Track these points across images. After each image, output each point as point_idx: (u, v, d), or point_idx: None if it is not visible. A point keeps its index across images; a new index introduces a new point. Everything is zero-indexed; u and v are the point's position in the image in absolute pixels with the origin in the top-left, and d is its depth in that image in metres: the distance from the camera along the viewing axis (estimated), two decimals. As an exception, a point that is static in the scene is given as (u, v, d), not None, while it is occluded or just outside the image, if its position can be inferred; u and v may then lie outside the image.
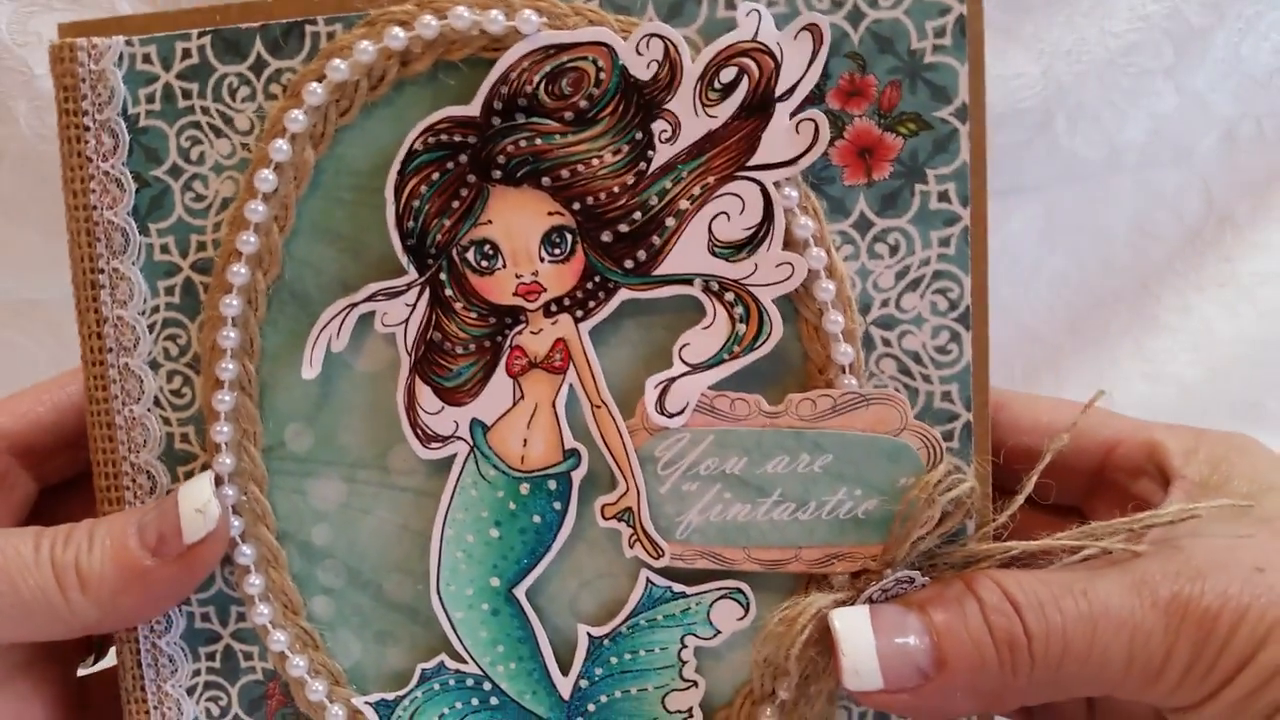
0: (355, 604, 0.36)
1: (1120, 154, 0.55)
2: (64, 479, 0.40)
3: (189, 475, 0.36)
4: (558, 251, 0.33)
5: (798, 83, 0.32)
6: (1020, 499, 0.34)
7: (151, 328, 0.35)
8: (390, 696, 0.36)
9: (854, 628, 0.32)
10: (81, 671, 0.41)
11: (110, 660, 0.41)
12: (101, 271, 0.35)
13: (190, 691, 0.37)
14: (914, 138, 0.33)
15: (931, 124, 0.33)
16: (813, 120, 0.32)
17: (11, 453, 0.38)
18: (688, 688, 0.35)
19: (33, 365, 0.62)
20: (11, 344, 0.62)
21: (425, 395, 0.34)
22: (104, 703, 0.39)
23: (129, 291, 0.35)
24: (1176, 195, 0.57)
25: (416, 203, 0.33)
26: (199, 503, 0.34)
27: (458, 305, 0.34)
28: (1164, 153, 0.56)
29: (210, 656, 0.37)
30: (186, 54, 0.34)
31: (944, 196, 0.33)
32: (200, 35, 0.34)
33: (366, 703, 0.36)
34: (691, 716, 0.35)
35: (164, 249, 0.35)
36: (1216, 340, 0.59)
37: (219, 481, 0.35)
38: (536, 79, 0.32)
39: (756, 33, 0.32)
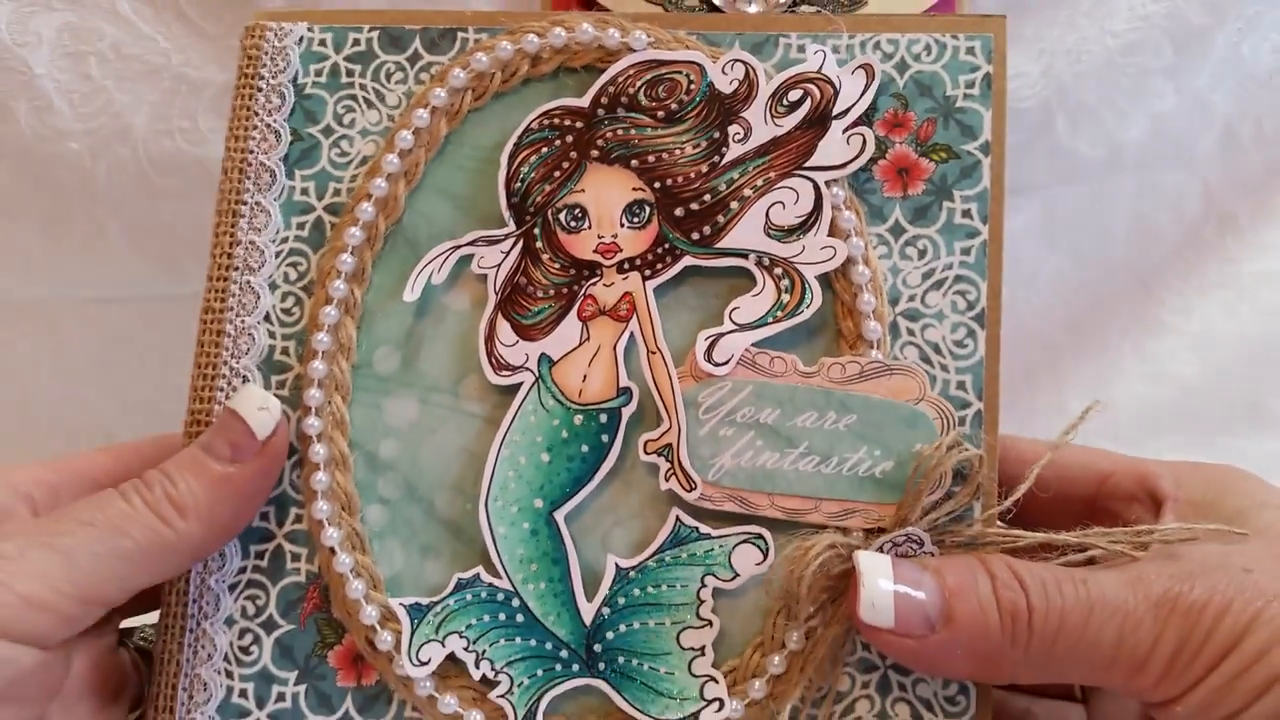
0: (407, 516, 0.39)
1: (1120, 154, 0.56)
2: None
3: (281, 383, 0.40)
4: (636, 220, 0.39)
5: (851, 106, 0.39)
6: (1025, 486, 0.37)
7: (278, 254, 0.41)
8: (424, 601, 0.38)
9: (875, 565, 0.35)
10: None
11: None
12: (244, 204, 0.41)
13: (232, 588, 0.39)
14: (945, 164, 0.39)
15: (960, 154, 0.39)
16: (861, 134, 0.39)
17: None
18: (703, 626, 0.37)
19: (33, 365, 0.62)
20: (11, 344, 0.62)
21: (504, 329, 0.39)
22: None
23: (265, 222, 0.41)
24: (1176, 195, 0.57)
25: (525, 169, 0.40)
26: (259, 402, 0.38)
27: (544, 256, 0.40)
28: (1164, 153, 0.56)
29: (259, 555, 0.39)
30: (356, 42, 0.42)
31: (967, 214, 0.39)
32: (370, 30, 0.42)
33: (400, 604, 0.38)
34: (703, 654, 0.37)
35: (304, 191, 0.41)
36: (1216, 340, 0.58)
37: (308, 385, 0.39)
38: (639, 84, 0.40)
39: (821, 66, 0.39)
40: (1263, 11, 0.55)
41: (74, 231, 0.59)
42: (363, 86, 0.42)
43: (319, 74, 0.42)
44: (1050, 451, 0.38)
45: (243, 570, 0.39)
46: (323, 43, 0.42)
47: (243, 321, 0.41)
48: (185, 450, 0.38)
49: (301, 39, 0.42)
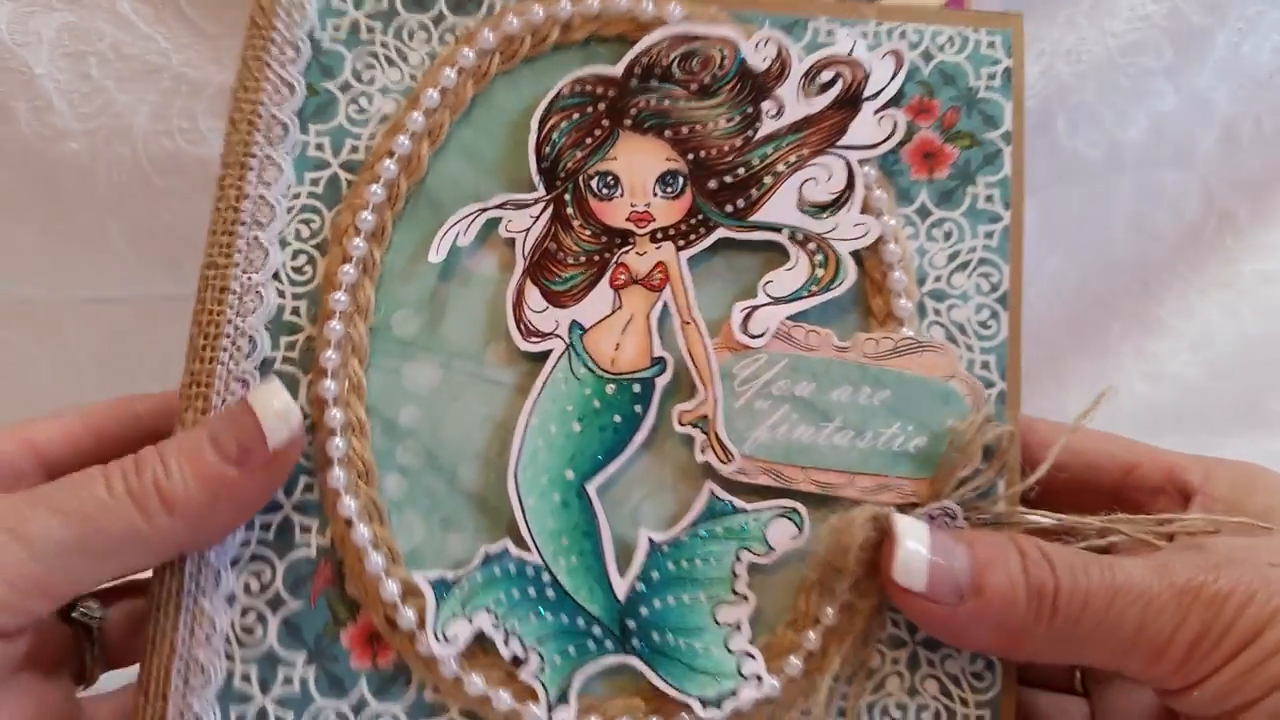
0: (428, 486, 0.37)
1: (1120, 154, 0.56)
2: None
3: (291, 345, 0.38)
4: (669, 190, 0.39)
5: (881, 90, 0.40)
6: (1045, 466, 0.38)
7: (289, 210, 0.39)
8: (450, 575, 0.36)
9: (912, 528, 0.35)
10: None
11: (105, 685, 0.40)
12: (254, 156, 0.39)
13: (233, 563, 0.37)
14: (968, 150, 0.40)
15: (982, 142, 0.40)
16: (893, 116, 0.40)
17: (42, 467, 0.38)
18: (738, 601, 0.37)
19: (33, 365, 0.60)
20: (11, 344, 0.61)
21: (533, 295, 0.38)
22: None
23: (275, 176, 0.39)
24: (1176, 195, 0.58)
25: (555, 134, 0.39)
26: (279, 407, 0.35)
27: (575, 223, 0.39)
28: (1164, 153, 0.56)
29: (265, 527, 0.37)
30: (378, 1, 0.40)
31: (990, 199, 0.40)
32: (393, -11, 0.41)
33: (425, 578, 0.36)
34: (739, 630, 0.36)
35: (319, 147, 0.39)
36: (1217, 340, 0.59)
37: (323, 346, 0.37)
38: (672, 55, 0.39)
39: (852, 50, 0.40)
40: (1263, 11, 0.56)
41: (74, 231, 0.57)
42: (384, 44, 0.40)
43: (337, 29, 0.40)
44: (1067, 434, 0.39)
45: (245, 543, 0.37)
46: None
47: (250, 278, 0.38)
48: (189, 434, 0.35)
49: (319, -7, 0.40)
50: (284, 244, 0.39)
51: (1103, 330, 0.61)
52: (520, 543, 0.36)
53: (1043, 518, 0.38)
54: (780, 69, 0.40)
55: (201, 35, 0.54)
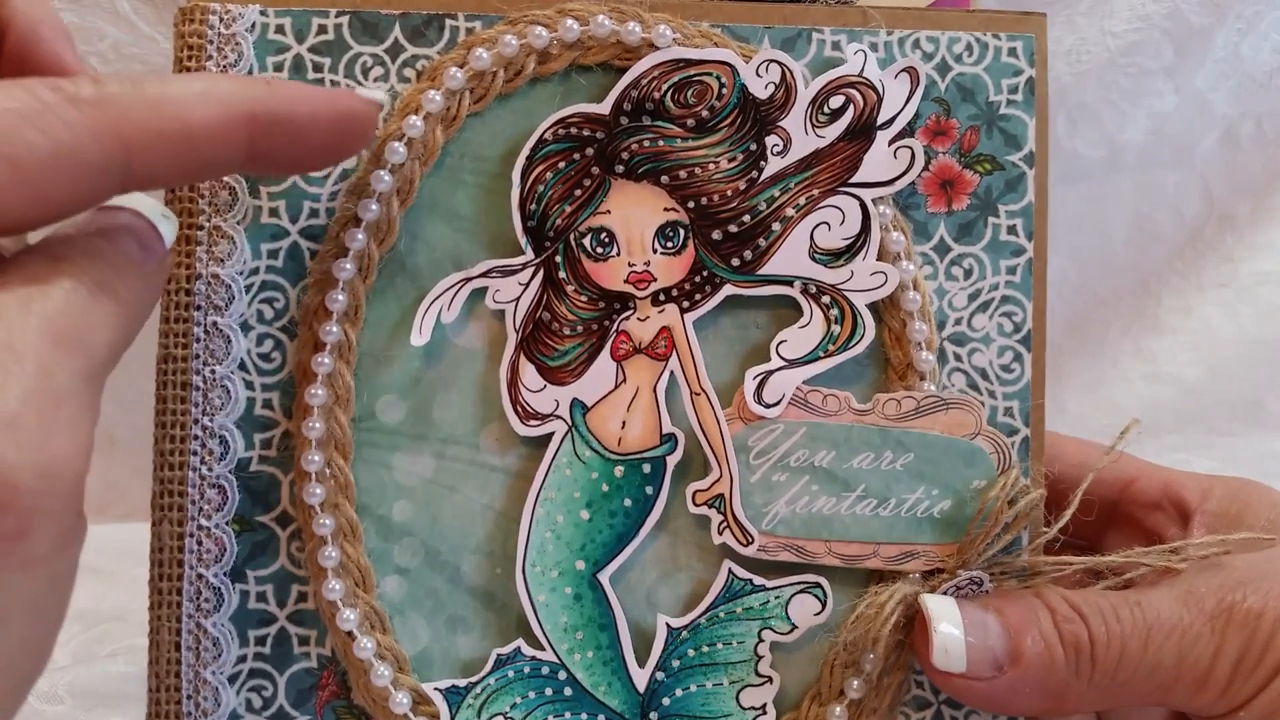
0: (430, 586, 0.35)
1: (1120, 154, 0.56)
2: None
3: (266, 443, 0.35)
4: (670, 244, 0.35)
5: (896, 115, 0.36)
6: (1069, 513, 0.37)
7: (249, 288, 0.35)
8: (462, 683, 0.34)
9: (943, 610, 0.34)
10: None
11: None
12: (201, 228, 0.35)
13: (232, 680, 0.34)
14: (989, 176, 0.37)
15: (1004, 166, 0.37)
16: (909, 147, 0.36)
17: None
18: (762, 683, 0.35)
19: None
20: None
21: (529, 373, 0.35)
22: None
23: (228, 250, 0.35)
24: (1176, 195, 0.58)
25: (541, 187, 0.35)
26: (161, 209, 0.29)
27: (569, 288, 0.35)
28: (1164, 153, 0.57)
29: (260, 641, 0.35)
30: (322, 30, 0.35)
31: (1012, 230, 0.37)
32: (338, 15, 0.35)
33: (436, 689, 0.34)
34: (765, 713, 0.35)
35: (273, 212, 0.35)
36: (1216, 340, 0.59)
37: (304, 446, 0.34)
38: (665, 87, 0.35)
39: (863, 69, 0.36)
40: (1263, 11, 0.55)
41: (74, 231, 0.55)
42: (334, 83, 0.35)
43: (278, 68, 0.35)
44: (1094, 470, 0.38)
45: (243, 659, 0.34)
46: (280, 29, 0.35)
47: (213, 371, 0.35)
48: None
49: (254, 25, 0.35)
50: (246, 328, 0.35)
51: (1103, 330, 0.60)
52: (533, 641, 0.35)
53: (1068, 562, 0.37)
54: (785, 96, 0.36)
55: None
